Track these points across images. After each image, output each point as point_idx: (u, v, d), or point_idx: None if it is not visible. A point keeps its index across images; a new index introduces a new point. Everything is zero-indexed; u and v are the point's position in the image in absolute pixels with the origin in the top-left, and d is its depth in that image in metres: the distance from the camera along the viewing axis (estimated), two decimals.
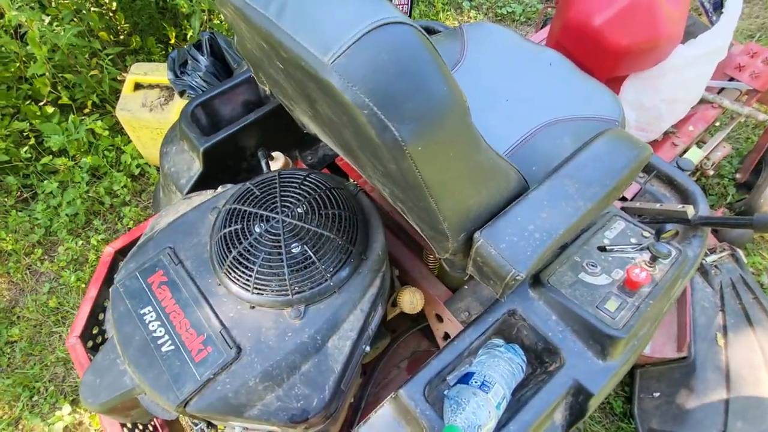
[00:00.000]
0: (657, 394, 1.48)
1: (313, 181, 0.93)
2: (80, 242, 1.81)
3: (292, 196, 0.90)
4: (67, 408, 1.48)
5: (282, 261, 0.82)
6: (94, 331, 1.08)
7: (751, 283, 1.61)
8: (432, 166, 0.52)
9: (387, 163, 0.52)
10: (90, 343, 1.05)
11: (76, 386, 1.55)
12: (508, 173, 0.66)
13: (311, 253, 0.83)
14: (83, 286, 1.72)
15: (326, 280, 0.82)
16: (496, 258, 0.66)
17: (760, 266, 1.78)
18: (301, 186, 0.92)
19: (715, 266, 1.63)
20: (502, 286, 0.68)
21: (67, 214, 1.84)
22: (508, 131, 1.02)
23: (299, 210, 0.88)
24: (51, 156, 1.90)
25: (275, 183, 0.93)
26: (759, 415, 1.40)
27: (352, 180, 1.33)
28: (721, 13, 1.56)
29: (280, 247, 0.83)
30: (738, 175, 1.87)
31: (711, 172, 1.74)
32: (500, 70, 1.14)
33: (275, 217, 0.87)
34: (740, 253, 1.66)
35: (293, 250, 0.84)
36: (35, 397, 1.52)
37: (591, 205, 0.70)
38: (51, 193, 1.88)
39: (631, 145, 0.78)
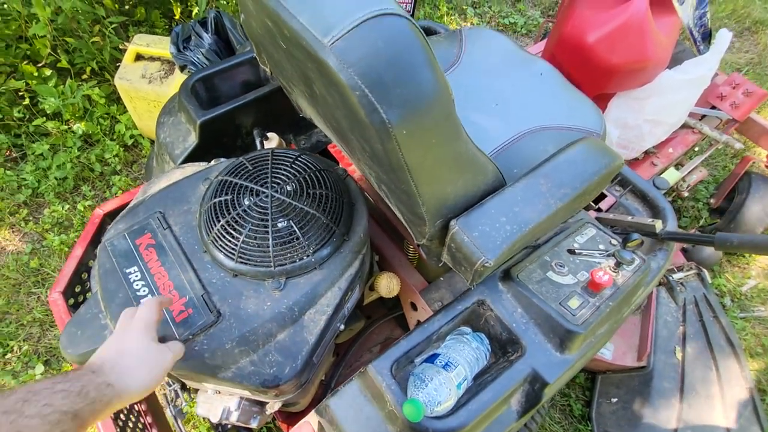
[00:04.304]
0: (615, 400, 1.55)
1: (304, 161, 0.97)
2: (67, 206, 1.82)
3: (283, 174, 0.94)
4: (40, 368, 1.49)
5: (267, 234, 0.86)
6: (77, 290, 1.10)
7: (713, 303, 1.68)
8: (415, 150, 0.57)
9: (374, 144, 0.57)
10: (71, 301, 1.07)
11: (50, 347, 1.56)
12: (486, 167, 0.71)
13: (296, 229, 0.86)
14: (66, 249, 1.73)
15: (308, 255, 0.86)
16: (468, 245, 0.70)
17: (725, 289, 1.86)
18: (293, 165, 0.95)
19: (681, 283, 1.70)
20: (471, 272, 0.73)
21: (56, 178, 1.84)
22: (496, 133, 1.07)
23: (288, 188, 0.92)
24: (44, 118, 1.90)
25: (267, 159, 0.96)
26: (708, 430, 1.47)
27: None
28: (710, 43, 1.64)
29: (267, 220, 0.87)
30: (712, 200, 1.95)
31: (686, 194, 1.82)
32: (493, 74, 1.20)
33: (265, 192, 0.90)
34: (706, 273, 1.74)
35: (279, 225, 0.87)
36: (8, 355, 1.53)
37: (561, 205, 0.75)
38: (41, 155, 1.88)
39: (605, 154, 0.83)
